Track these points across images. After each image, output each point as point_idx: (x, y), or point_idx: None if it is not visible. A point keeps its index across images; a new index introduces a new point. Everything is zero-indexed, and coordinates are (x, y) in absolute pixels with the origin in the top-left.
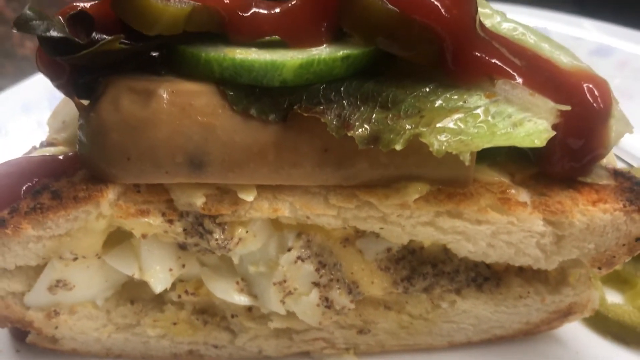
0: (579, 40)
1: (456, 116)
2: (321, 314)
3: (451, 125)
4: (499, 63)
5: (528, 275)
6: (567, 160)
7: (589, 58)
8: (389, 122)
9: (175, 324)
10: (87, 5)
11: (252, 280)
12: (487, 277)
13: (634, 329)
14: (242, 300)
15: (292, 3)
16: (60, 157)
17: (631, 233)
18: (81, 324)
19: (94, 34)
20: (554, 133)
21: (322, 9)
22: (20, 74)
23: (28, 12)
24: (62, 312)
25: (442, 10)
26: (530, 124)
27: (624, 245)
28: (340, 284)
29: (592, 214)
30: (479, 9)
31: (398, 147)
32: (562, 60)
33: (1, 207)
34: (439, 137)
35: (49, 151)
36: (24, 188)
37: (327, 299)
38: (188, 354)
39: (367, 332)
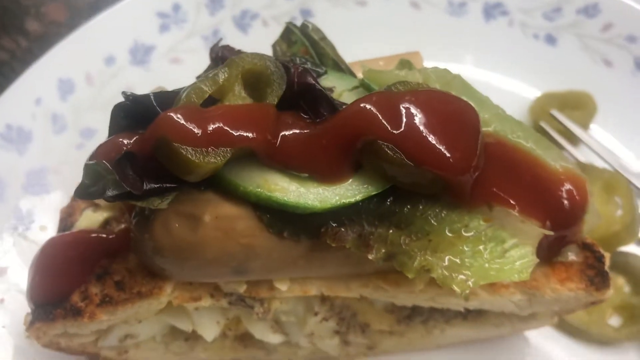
0: None
1: (459, 247)
2: (340, 349)
3: (455, 259)
4: (496, 192)
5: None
6: (545, 248)
7: (576, 16)
8: (402, 244)
9: (221, 349)
10: (130, 141)
11: (283, 323)
12: (470, 311)
13: (587, 331)
14: (276, 338)
15: (319, 142)
16: (111, 237)
17: (588, 301)
18: (145, 354)
19: (145, 184)
20: (537, 261)
21: (345, 152)
22: None
23: (85, 180)
24: (130, 349)
25: (451, 162)
26: (516, 250)
27: (582, 305)
28: (356, 327)
29: (560, 292)
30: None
31: (410, 276)
32: (549, 159)
33: (72, 286)
34: (444, 272)
35: (96, 220)
36: (87, 269)
37: (345, 340)
38: None
39: (373, 348)
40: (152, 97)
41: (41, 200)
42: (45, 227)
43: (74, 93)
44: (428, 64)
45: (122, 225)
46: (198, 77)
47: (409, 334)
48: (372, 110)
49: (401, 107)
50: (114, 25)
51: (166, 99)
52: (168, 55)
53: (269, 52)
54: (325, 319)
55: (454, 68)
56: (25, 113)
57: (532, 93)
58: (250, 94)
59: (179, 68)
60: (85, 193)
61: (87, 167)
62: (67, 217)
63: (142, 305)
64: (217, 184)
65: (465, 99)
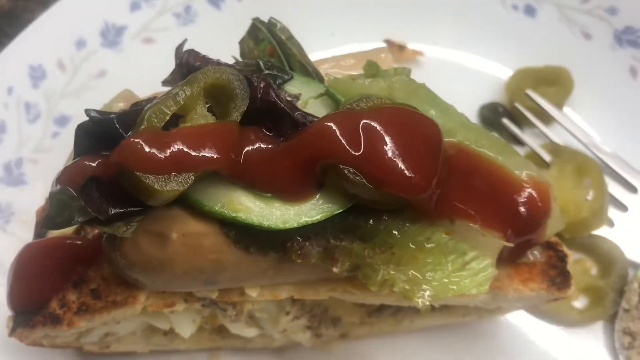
0: None
1: (421, 260)
2: (313, 340)
3: (417, 273)
4: (457, 206)
5: None
6: (508, 252)
7: None
8: (366, 256)
9: (200, 340)
10: (94, 164)
11: (257, 318)
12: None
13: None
14: (251, 332)
15: (282, 162)
16: (85, 244)
17: (550, 299)
18: (127, 347)
19: (110, 209)
20: (496, 273)
21: (307, 172)
22: None
23: (51, 212)
24: (112, 343)
25: (411, 183)
26: (477, 262)
27: (544, 302)
28: (327, 321)
29: (522, 292)
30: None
31: (373, 289)
32: (513, 167)
33: (49, 294)
34: (405, 286)
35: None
36: (63, 276)
37: (318, 334)
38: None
39: (346, 336)
40: (114, 119)
41: (20, 192)
42: (25, 220)
43: (45, 80)
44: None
45: (96, 231)
46: (163, 82)
47: (379, 324)
48: (333, 132)
49: (362, 128)
50: (83, 6)
51: (129, 119)
52: (140, 36)
53: (240, 34)
54: (297, 317)
55: (429, 50)
56: None
57: (508, 73)
58: (213, 106)
59: (152, 48)
60: (53, 224)
61: (51, 197)
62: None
63: (117, 313)
64: (184, 201)
65: (429, 108)
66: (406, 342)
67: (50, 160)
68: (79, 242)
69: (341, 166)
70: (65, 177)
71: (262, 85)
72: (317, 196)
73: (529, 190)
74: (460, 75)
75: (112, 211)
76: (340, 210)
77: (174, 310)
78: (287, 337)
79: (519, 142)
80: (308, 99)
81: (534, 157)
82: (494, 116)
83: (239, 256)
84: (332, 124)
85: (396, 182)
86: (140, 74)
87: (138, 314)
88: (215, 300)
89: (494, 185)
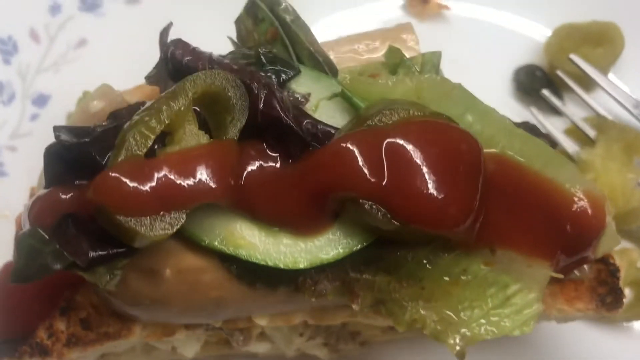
0: None
1: (455, 296)
2: (331, 354)
3: (450, 312)
4: (499, 233)
5: None
6: (556, 268)
7: None
8: (391, 290)
9: (206, 351)
10: (67, 198)
11: (269, 335)
12: None
13: None
14: (262, 347)
15: (290, 192)
16: None
17: (597, 318)
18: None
19: (90, 253)
20: (542, 309)
21: (321, 203)
22: None
23: (19, 262)
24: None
25: (445, 219)
26: (520, 297)
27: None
28: (346, 336)
29: (567, 312)
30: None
31: (400, 329)
32: (563, 180)
33: (35, 322)
34: (437, 327)
35: None
36: (49, 302)
37: (335, 349)
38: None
39: (365, 344)
40: (89, 144)
41: (0, 185)
42: (8, 216)
43: (18, 54)
44: None
45: None
46: (147, 78)
47: (402, 334)
48: (351, 159)
49: (386, 151)
50: None
51: (106, 139)
52: None
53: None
54: (312, 337)
55: (456, 5)
56: None
57: (547, 33)
58: (207, 116)
59: (137, 10)
60: (23, 278)
61: (19, 245)
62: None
63: (111, 345)
64: (178, 232)
65: (466, 112)
66: (427, 343)
67: (31, 147)
68: None
69: (361, 200)
70: (35, 215)
71: (263, 94)
72: (333, 229)
73: (582, 206)
74: (493, 35)
75: (92, 254)
76: (361, 247)
77: (174, 338)
78: (301, 352)
79: (559, 114)
80: (319, 101)
81: (577, 132)
82: (531, 82)
83: (243, 292)
84: (350, 147)
85: (428, 218)
86: (124, 42)
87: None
88: (220, 327)
89: (541, 204)
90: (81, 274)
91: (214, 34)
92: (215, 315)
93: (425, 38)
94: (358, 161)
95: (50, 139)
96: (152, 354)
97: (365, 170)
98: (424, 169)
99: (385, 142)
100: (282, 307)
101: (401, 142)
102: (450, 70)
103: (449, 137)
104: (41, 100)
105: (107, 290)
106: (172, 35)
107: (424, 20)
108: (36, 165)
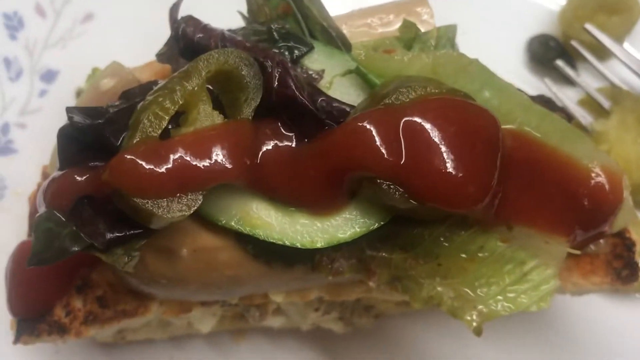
0: None
1: (472, 272)
2: (345, 329)
3: (467, 289)
4: (516, 210)
5: None
6: (573, 243)
7: None
8: (407, 267)
9: (221, 325)
10: (83, 179)
11: (284, 309)
12: None
13: None
14: (277, 321)
15: (306, 172)
16: None
17: (612, 290)
18: (144, 335)
19: (107, 234)
20: (558, 285)
21: (337, 183)
22: None
23: (36, 246)
24: (128, 335)
25: (463, 198)
26: (537, 273)
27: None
28: (360, 310)
29: (582, 286)
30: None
31: (417, 306)
32: (580, 155)
33: (52, 299)
34: (454, 303)
35: None
36: (65, 279)
37: (350, 323)
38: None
39: (379, 316)
40: (103, 126)
41: (10, 162)
42: (20, 193)
43: (24, 29)
44: None
45: None
46: (157, 56)
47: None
48: (368, 138)
49: (403, 130)
50: None
51: (119, 120)
52: None
53: None
54: (327, 312)
55: None
56: None
57: (561, 1)
58: (221, 95)
59: None
60: (41, 261)
61: (36, 228)
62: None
63: (128, 322)
64: (195, 212)
65: (482, 87)
66: (441, 316)
67: (41, 123)
68: None
69: (378, 180)
70: (51, 198)
71: (277, 72)
72: (350, 208)
73: (599, 180)
74: (506, 3)
75: (109, 235)
76: (379, 225)
77: (190, 315)
78: (316, 326)
79: (573, 84)
80: (333, 78)
81: (591, 103)
82: (545, 52)
83: (260, 270)
84: (366, 127)
85: (446, 197)
86: (132, 15)
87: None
88: (237, 303)
89: (558, 180)
90: (99, 256)
91: (225, 8)
92: (231, 292)
93: (438, 8)
94: (375, 140)
95: (60, 115)
96: (168, 328)
97: (383, 150)
98: (442, 148)
99: (403, 120)
100: (298, 284)
101: (418, 120)
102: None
103: (467, 114)
104: (49, 76)
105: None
106: (182, 11)
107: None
108: (47, 142)
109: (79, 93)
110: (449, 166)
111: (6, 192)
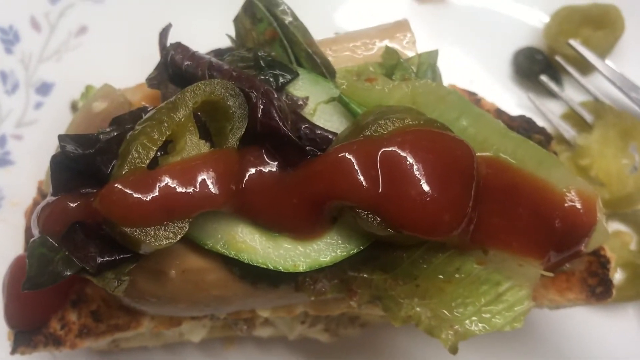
0: None
1: (449, 293)
2: (331, 339)
3: (443, 309)
4: (491, 235)
5: None
6: (547, 265)
7: None
8: (387, 288)
9: (212, 333)
10: (74, 206)
11: (271, 320)
12: None
13: None
14: (265, 332)
15: (289, 200)
16: None
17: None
18: (137, 343)
19: (98, 258)
20: (533, 306)
21: (319, 210)
22: None
23: (31, 272)
24: (121, 343)
25: (438, 226)
26: (512, 294)
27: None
28: (346, 322)
29: (558, 302)
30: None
31: (396, 325)
32: (555, 180)
33: (47, 313)
34: (431, 322)
35: None
36: (60, 294)
37: (336, 334)
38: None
39: (365, 325)
40: (94, 155)
41: (7, 173)
42: (17, 203)
43: (19, 43)
44: None
45: None
46: (148, 80)
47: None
48: (348, 170)
49: (380, 162)
50: None
51: (110, 147)
52: None
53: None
54: (313, 324)
55: None
56: None
57: (546, 18)
58: (207, 122)
59: None
60: (34, 285)
61: (30, 254)
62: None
63: (120, 335)
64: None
65: (460, 116)
66: None
67: (36, 134)
68: None
69: (358, 209)
70: (44, 223)
71: (262, 103)
72: (331, 233)
73: (573, 204)
74: (492, 19)
75: (100, 259)
76: (359, 250)
77: (180, 328)
78: (303, 337)
79: (557, 97)
80: (317, 105)
81: (574, 117)
82: (530, 65)
83: (246, 291)
84: (346, 157)
85: (422, 226)
86: (125, 28)
87: None
88: (225, 317)
89: (533, 205)
90: (90, 279)
91: (214, 30)
92: (219, 310)
93: (425, 22)
94: (354, 171)
95: (56, 126)
96: (160, 337)
97: (361, 180)
98: (418, 178)
99: (381, 151)
100: (283, 302)
101: (396, 151)
102: (451, 54)
103: (443, 145)
104: (45, 89)
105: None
106: (171, 32)
107: (424, 3)
108: (42, 154)
109: (73, 105)
110: (425, 196)
111: (3, 202)
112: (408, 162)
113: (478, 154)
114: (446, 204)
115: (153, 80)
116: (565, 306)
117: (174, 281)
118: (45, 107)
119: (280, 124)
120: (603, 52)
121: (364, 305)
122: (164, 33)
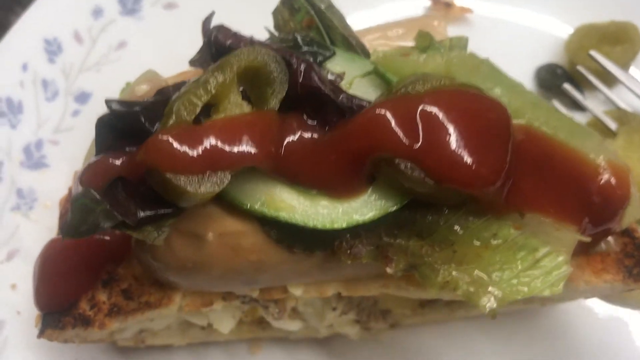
0: None
1: (486, 258)
2: (361, 334)
3: (481, 273)
4: (528, 198)
5: None
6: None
7: None
8: (424, 254)
9: (239, 332)
10: (118, 163)
11: (301, 312)
12: None
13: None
14: (294, 325)
15: (327, 157)
16: (114, 240)
17: (625, 290)
18: (163, 340)
19: (139, 212)
20: (571, 271)
21: (357, 167)
22: None
23: (73, 220)
24: (147, 338)
25: (477, 178)
26: (549, 260)
27: (617, 293)
28: (377, 314)
29: (594, 284)
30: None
31: (434, 291)
32: (588, 150)
33: (77, 293)
34: (469, 288)
35: None
36: (92, 275)
37: (366, 327)
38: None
39: (395, 326)
40: (139, 112)
41: (42, 176)
42: (49, 206)
43: (62, 54)
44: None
45: None
46: (190, 62)
47: (431, 315)
48: (387, 122)
49: (420, 116)
50: None
51: (155, 110)
52: (161, 0)
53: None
54: (344, 312)
55: (478, 7)
56: (12, 81)
57: (568, 31)
58: (248, 90)
59: (175, 14)
60: (76, 233)
61: (73, 203)
62: (66, 213)
63: (151, 314)
64: (220, 198)
65: (494, 86)
66: (456, 327)
67: (72, 141)
68: (107, 238)
69: (397, 161)
70: (87, 178)
71: (302, 67)
72: (369, 191)
73: (606, 176)
74: (514, 35)
75: (141, 214)
76: (396, 208)
77: (211, 309)
78: (333, 330)
79: (581, 108)
80: (353, 79)
81: (598, 125)
82: (552, 79)
83: (281, 256)
84: (385, 112)
85: (461, 177)
86: (163, 43)
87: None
88: (257, 298)
89: (567, 172)
90: (130, 233)
91: (253, 25)
92: (253, 280)
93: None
94: (394, 123)
95: (91, 132)
96: (187, 332)
97: (401, 133)
98: (457, 133)
99: (419, 107)
100: (317, 273)
101: (434, 107)
102: None
103: (480, 104)
104: (83, 98)
105: (153, 253)
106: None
107: (447, 23)
108: (77, 158)
109: None
110: (463, 149)
111: (35, 204)
112: (446, 118)
113: (513, 121)
114: (485, 157)
115: (196, 62)
116: (601, 289)
117: (211, 244)
118: (82, 115)
119: (321, 84)
120: (623, 66)
121: (400, 273)
122: (207, 20)
